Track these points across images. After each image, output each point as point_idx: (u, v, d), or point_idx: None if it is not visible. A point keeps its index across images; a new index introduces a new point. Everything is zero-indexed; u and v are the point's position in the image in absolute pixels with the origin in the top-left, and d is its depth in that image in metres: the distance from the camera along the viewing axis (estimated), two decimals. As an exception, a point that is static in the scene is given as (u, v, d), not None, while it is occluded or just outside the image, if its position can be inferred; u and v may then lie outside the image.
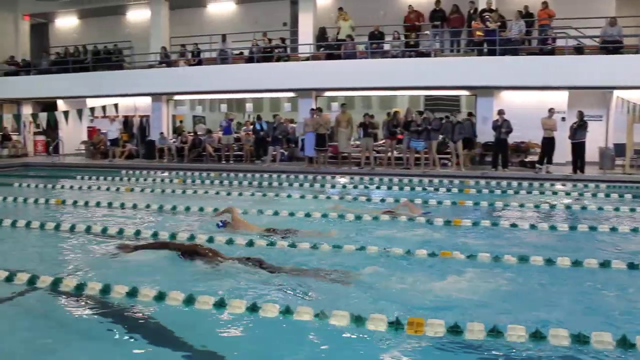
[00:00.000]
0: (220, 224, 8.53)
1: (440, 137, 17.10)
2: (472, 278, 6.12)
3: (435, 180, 14.87)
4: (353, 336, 4.49)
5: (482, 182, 14.63)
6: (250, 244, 7.46)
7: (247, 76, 19.63)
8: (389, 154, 17.58)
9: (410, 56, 18.43)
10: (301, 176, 15.84)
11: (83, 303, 5.38)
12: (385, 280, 6.01)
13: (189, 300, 5.14)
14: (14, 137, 24.22)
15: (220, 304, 5.02)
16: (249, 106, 23.55)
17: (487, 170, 16.00)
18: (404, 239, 8.01)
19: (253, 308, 4.92)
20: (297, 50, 20.51)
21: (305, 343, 4.43)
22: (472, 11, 18.78)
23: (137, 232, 8.32)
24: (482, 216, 9.74)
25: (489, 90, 17.97)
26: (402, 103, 21.16)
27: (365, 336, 4.48)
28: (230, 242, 7.55)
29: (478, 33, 17.99)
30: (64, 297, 5.55)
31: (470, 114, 17.07)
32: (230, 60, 20.63)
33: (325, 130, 17.56)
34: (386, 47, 19.22)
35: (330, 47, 19.67)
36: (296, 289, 5.70)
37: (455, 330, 4.41)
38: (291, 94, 20.91)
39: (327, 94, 20.44)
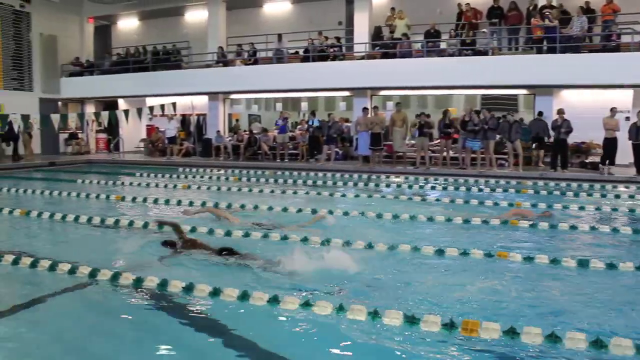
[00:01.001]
0: None
1: (497, 136, 16.82)
2: (529, 280, 6.02)
3: (492, 181, 14.63)
4: (406, 336, 4.47)
5: (541, 183, 14.32)
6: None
7: (302, 75, 19.76)
8: (444, 153, 17.39)
9: (467, 55, 18.17)
10: (355, 175, 15.85)
11: (141, 296, 5.53)
12: (440, 281, 5.99)
13: (244, 297, 5.23)
14: (79, 135, 25.11)
15: (275, 300, 5.10)
16: (304, 105, 23.68)
17: (546, 171, 15.63)
18: (459, 239, 7.95)
19: (306, 305, 4.98)
20: (353, 49, 20.50)
21: (357, 342, 4.42)
22: (531, 8, 18.37)
23: (193, 229, 8.51)
24: (540, 218, 9.54)
25: (548, 89, 17.54)
26: (458, 102, 20.91)
27: (419, 336, 4.45)
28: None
29: (537, 30, 17.58)
30: (123, 290, 5.71)
31: (540, 114, 16.60)
32: (286, 60, 20.80)
33: (380, 130, 17.51)
34: (442, 45, 19.02)
35: (385, 46, 19.59)
36: (348, 288, 5.73)
37: (511, 333, 4.36)
38: (346, 93, 20.93)
39: (382, 93, 20.38)
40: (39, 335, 4.63)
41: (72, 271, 6.20)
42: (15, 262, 6.61)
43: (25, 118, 18.01)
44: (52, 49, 24.87)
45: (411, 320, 4.61)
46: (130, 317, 5.04)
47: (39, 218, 9.76)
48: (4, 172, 17.95)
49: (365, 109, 18.15)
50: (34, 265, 6.46)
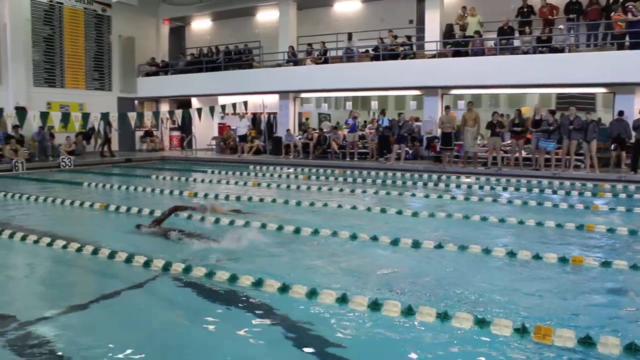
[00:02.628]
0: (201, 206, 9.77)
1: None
2: (606, 287, 5.82)
3: (567, 183, 14.18)
4: (475, 339, 4.42)
5: (619, 186, 13.77)
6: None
7: (372, 74, 19.71)
8: (517, 154, 16.97)
9: (542, 52, 17.65)
10: (425, 175, 15.70)
11: (211, 290, 5.66)
12: (512, 284, 5.87)
13: (312, 294, 5.30)
14: (154, 133, 25.95)
15: (343, 299, 5.13)
16: (374, 104, 23.65)
17: (625, 174, 15.00)
18: (532, 242, 7.76)
19: (375, 305, 4.98)
20: (424, 47, 20.29)
21: (425, 344, 4.40)
22: (611, 1, 17.67)
23: (263, 225, 8.66)
24: (619, 222, 9.20)
25: (630, 87, 16.80)
26: (531, 101, 20.37)
27: (488, 340, 4.39)
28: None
29: (619, 25, 16.88)
30: (194, 284, 5.87)
31: (620, 113, 15.92)
32: (356, 59, 20.80)
33: (451, 129, 17.27)
34: (516, 42, 18.56)
35: (457, 44, 19.29)
36: (417, 289, 5.70)
37: (587, 342, 4.23)
38: (416, 92, 20.74)
39: (454, 92, 20.08)
40: (111, 326, 4.82)
41: (146, 264, 6.45)
42: (95, 252, 6.93)
43: (105, 116, 18.75)
44: (130, 50, 25.81)
45: (481, 323, 4.55)
46: (199, 310, 5.17)
47: (116, 212, 10.18)
48: (86, 168, 18.79)
49: (447, 107, 17.99)
50: (111, 256, 6.75)
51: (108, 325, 4.83)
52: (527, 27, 18.36)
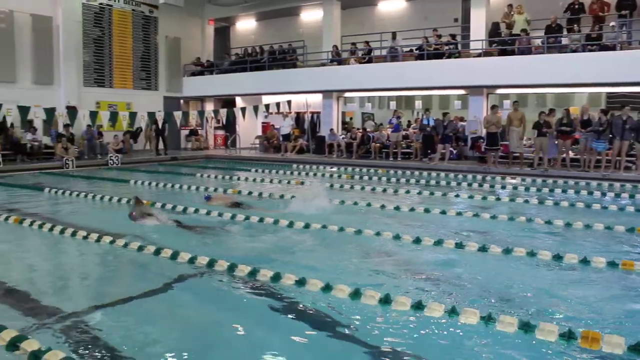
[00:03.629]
0: (206, 197, 11.01)
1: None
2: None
3: (617, 185, 13.81)
4: (519, 344, 4.34)
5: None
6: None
7: (416, 73, 19.56)
8: (564, 154, 16.59)
9: (591, 50, 17.22)
10: (470, 176, 15.51)
11: (255, 288, 5.70)
12: (558, 288, 5.75)
13: (355, 294, 5.29)
14: (199, 132, 26.32)
15: (386, 300, 5.11)
16: (418, 103, 23.46)
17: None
18: (580, 245, 7.60)
19: (418, 306, 4.95)
20: (469, 46, 20.05)
21: (468, 347, 4.35)
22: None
23: (307, 225, 8.69)
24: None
25: (685, 86, 16.27)
26: (580, 101, 19.90)
27: (533, 345, 4.31)
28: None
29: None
30: (238, 281, 5.93)
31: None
32: (400, 58, 20.67)
33: (497, 129, 17.02)
34: (564, 40, 18.16)
35: (503, 43, 18.98)
36: (461, 291, 5.65)
37: (637, 349, 4.11)
38: (461, 92, 20.51)
39: (499, 91, 19.76)
40: (156, 320, 4.91)
41: (191, 261, 6.55)
42: (140, 249, 7.08)
43: (152, 116, 19.11)
44: (176, 50, 26.22)
45: (526, 327, 4.47)
46: (242, 308, 5.21)
47: (162, 209, 10.35)
48: (132, 166, 19.19)
49: (494, 106, 17.75)
50: (157, 253, 6.89)
51: (153, 319, 4.92)
52: (575, 25, 17.93)
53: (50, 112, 16.65)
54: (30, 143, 18.93)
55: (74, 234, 8.01)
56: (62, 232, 8.20)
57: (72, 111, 18.11)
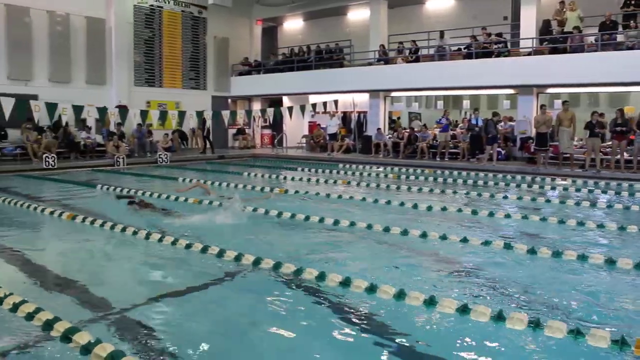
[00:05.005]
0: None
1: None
2: None
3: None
4: (569, 350, 4.22)
5: None
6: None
7: (464, 72, 19.30)
8: (617, 156, 16.10)
9: (649, 47, 16.64)
10: (518, 177, 15.21)
11: (299, 287, 5.71)
12: (610, 293, 5.58)
13: (400, 295, 5.24)
14: (246, 131, 26.56)
15: (431, 302, 5.05)
16: (465, 103, 23.20)
17: None
18: (633, 249, 7.36)
19: (464, 309, 4.87)
20: (518, 44, 19.66)
21: (515, 353, 4.25)
22: None
23: (352, 224, 8.68)
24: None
25: None
26: (636, 100, 19.31)
27: (583, 351, 4.18)
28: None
29: None
30: (282, 279, 5.95)
31: None
32: (448, 57, 20.44)
33: (547, 129, 16.65)
34: (619, 37, 17.61)
35: (554, 41, 18.56)
36: (508, 293, 5.53)
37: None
38: (510, 91, 20.14)
39: (550, 90, 19.33)
40: (201, 317, 4.95)
41: (237, 259, 6.60)
42: (188, 246, 7.18)
43: (200, 115, 19.37)
44: (224, 50, 26.54)
45: (576, 334, 4.35)
46: (286, 307, 5.21)
47: (209, 205, 10.50)
48: (181, 164, 19.51)
49: (543, 106, 17.36)
50: (204, 250, 6.97)
51: (199, 314, 4.97)
52: (632, 21, 17.35)
53: (102, 111, 17.06)
54: (84, 141, 19.47)
55: (123, 230, 8.19)
56: (112, 227, 8.39)
57: (123, 110, 18.52)
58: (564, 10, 18.68)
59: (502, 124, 18.81)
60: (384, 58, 22.38)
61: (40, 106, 15.23)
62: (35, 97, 17.47)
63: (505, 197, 12.01)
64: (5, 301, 5.01)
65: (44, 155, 16.87)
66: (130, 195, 11.58)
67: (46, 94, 18.78)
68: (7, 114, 14.13)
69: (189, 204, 10.94)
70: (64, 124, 18.41)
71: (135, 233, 7.99)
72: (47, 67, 20.16)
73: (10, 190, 12.76)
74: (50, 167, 16.65)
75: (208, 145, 22.59)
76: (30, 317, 4.67)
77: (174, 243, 7.37)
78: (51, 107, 15.22)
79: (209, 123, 21.29)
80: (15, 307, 4.86)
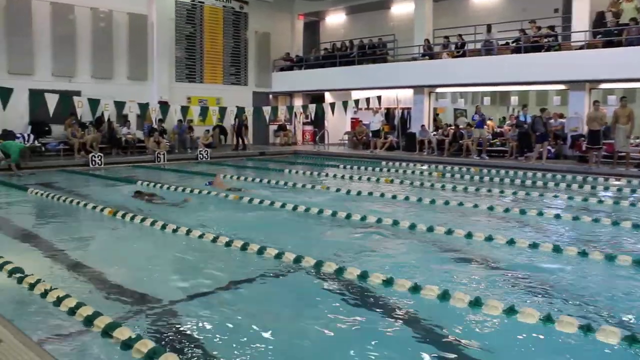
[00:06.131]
0: (207, 183, 12.72)
1: None
2: None
3: None
4: (622, 357, 4.14)
5: None
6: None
7: (513, 67, 18.97)
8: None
9: None
10: (569, 176, 14.90)
11: (341, 286, 5.71)
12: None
13: (444, 296, 5.20)
14: (287, 127, 26.67)
15: (476, 303, 4.99)
16: (513, 99, 22.83)
17: None
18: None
19: (510, 311, 4.80)
20: (570, 38, 19.24)
21: (563, 356, 4.19)
22: None
23: (395, 223, 8.65)
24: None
25: None
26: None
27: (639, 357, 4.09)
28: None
29: None
30: (324, 278, 5.97)
31: None
32: (496, 51, 20.14)
33: (599, 126, 16.24)
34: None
35: (609, 34, 18.08)
36: (558, 297, 5.43)
37: None
38: (561, 87, 19.73)
39: (603, 85, 18.86)
40: (240, 315, 4.99)
41: (278, 256, 6.64)
42: (229, 244, 7.25)
43: (241, 111, 19.52)
44: (265, 45, 26.69)
45: (630, 340, 4.24)
46: (327, 306, 5.21)
47: (250, 204, 10.60)
48: (221, 160, 19.73)
49: (596, 102, 16.95)
50: (244, 248, 7.03)
51: (239, 313, 5.02)
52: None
53: (143, 107, 17.33)
54: (125, 137, 19.85)
55: (163, 227, 8.32)
56: (152, 224, 8.54)
57: (164, 106, 18.80)
58: (620, 1, 18.19)
59: (552, 121, 18.44)
60: (429, 53, 22.20)
61: (83, 102, 15.55)
62: (78, 94, 17.87)
63: (555, 197, 11.80)
64: (50, 294, 5.16)
65: (91, 155, 17.12)
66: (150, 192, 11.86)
67: (89, 90, 19.22)
68: (51, 110, 14.47)
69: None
70: (105, 119, 18.80)
71: (175, 230, 8.11)
72: (90, 64, 20.61)
73: (54, 186, 13.12)
74: (97, 165, 16.97)
75: (240, 142, 22.72)
76: (72, 312, 4.79)
77: (214, 240, 7.45)
78: (94, 103, 15.53)
79: (245, 119, 21.42)
80: (58, 301, 4.99)
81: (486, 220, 9.36)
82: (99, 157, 17.25)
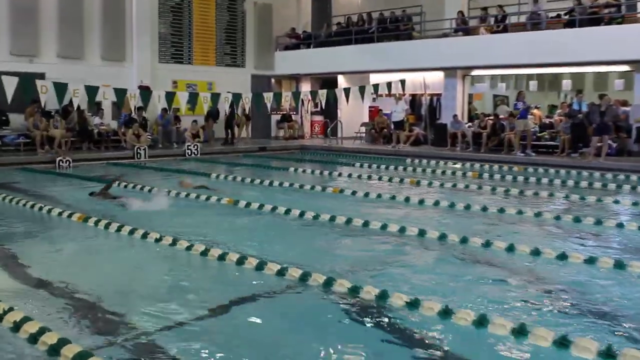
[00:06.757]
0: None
1: None
2: None
3: None
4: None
5: None
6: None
7: (565, 45, 18.84)
8: None
9: None
10: (634, 176, 14.83)
11: (356, 309, 5.70)
12: None
13: (480, 322, 5.14)
14: (292, 117, 26.67)
15: (520, 331, 4.93)
16: (565, 83, 22.75)
17: None
18: None
19: (562, 343, 4.75)
20: (636, 8, 19.13)
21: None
22: None
23: (422, 233, 8.62)
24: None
25: None
26: None
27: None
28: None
29: None
30: (335, 299, 5.96)
31: None
32: (544, 25, 20.05)
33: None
34: None
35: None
36: (615, 326, 5.40)
37: None
38: (624, 67, 19.63)
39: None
40: (235, 345, 4.98)
41: (280, 272, 6.62)
42: (222, 257, 7.25)
43: (237, 98, 19.52)
44: (267, 20, 26.66)
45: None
46: (339, 333, 5.20)
47: (246, 208, 10.61)
48: (214, 157, 19.79)
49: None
50: (240, 262, 7.02)
51: (232, 343, 5.01)
52: None
53: (120, 93, 17.30)
54: (98, 129, 19.88)
55: (144, 236, 8.34)
56: (131, 233, 8.56)
57: (145, 92, 18.79)
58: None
59: (616, 108, 18.32)
60: (463, 28, 22.15)
61: (47, 86, 15.56)
62: (41, 76, 17.91)
63: (617, 202, 11.74)
64: (6, 317, 5.14)
65: (58, 160, 16.84)
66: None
67: (54, 72, 19.26)
68: (9, 96, 14.40)
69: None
70: (75, 108, 18.79)
71: (158, 240, 8.12)
72: (55, 41, 20.67)
73: (13, 187, 13.19)
74: (64, 170, 16.63)
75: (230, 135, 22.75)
76: (34, 339, 4.76)
77: (204, 253, 7.45)
78: (60, 88, 15.51)
79: (244, 109, 21.42)
80: (16, 326, 4.97)
81: (532, 229, 9.34)
82: (67, 162, 16.91)
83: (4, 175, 14.84)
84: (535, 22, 20.26)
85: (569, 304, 5.92)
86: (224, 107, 20.04)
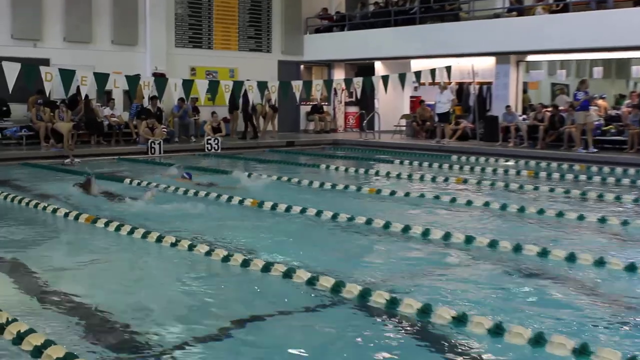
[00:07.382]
0: (186, 175, 13.75)
1: None
2: None
3: None
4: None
5: None
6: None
7: (635, 26, 18.66)
8: None
9: None
10: None
11: (395, 324, 5.71)
12: None
13: (538, 340, 5.09)
14: (324, 109, 26.69)
15: (582, 351, 4.89)
16: (635, 70, 22.50)
17: None
18: None
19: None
20: None
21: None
22: None
23: (469, 239, 8.58)
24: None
25: None
26: None
27: None
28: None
29: None
30: (371, 311, 5.97)
31: None
32: (611, 4, 19.85)
33: None
34: None
35: None
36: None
37: None
38: None
39: None
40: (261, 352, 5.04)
41: (310, 282, 6.64)
42: (245, 264, 7.29)
43: (263, 86, 19.58)
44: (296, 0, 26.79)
45: None
46: (377, 351, 5.17)
47: (272, 210, 10.66)
48: (236, 152, 19.92)
49: None
50: (266, 269, 7.06)
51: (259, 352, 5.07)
52: None
53: (133, 80, 17.44)
54: (108, 120, 20.03)
55: (159, 240, 8.41)
56: (144, 236, 8.64)
57: (160, 80, 18.93)
58: None
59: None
60: (517, 7, 22.01)
61: (52, 74, 15.72)
62: (46, 62, 18.14)
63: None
64: (8, 328, 5.19)
65: (66, 160, 16.84)
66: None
67: (60, 57, 19.53)
68: (10, 84, 14.54)
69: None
70: (82, 97, 18.95)
71: (174, 244, 8.18)
72: (61, 23, 20.91)
73: (14, 184, 13.37)
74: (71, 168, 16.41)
75: (250, 129, 22.77)
76: (38, 352, 4.80)
77: (226, 259, 7.49)
78: (67, 75, 15.67)
79: (269, 99, 21.43)
80: (20, 338, 5.01)
81: (595, 237, 9.27)
82: (71, 160, 16.82)
83: (4, 172, 15.03)
84: (600, 1, 20.06)
85: (638, 321, 5.88)
86: (248, 97, 20.17)
